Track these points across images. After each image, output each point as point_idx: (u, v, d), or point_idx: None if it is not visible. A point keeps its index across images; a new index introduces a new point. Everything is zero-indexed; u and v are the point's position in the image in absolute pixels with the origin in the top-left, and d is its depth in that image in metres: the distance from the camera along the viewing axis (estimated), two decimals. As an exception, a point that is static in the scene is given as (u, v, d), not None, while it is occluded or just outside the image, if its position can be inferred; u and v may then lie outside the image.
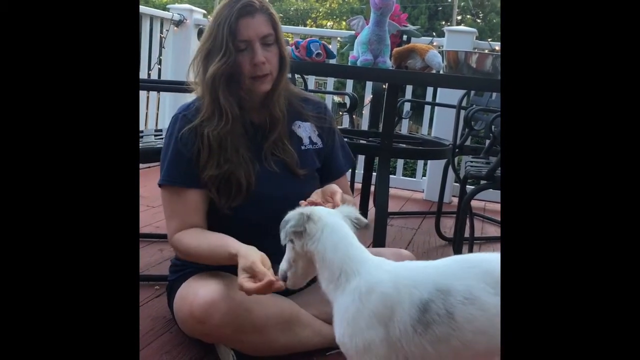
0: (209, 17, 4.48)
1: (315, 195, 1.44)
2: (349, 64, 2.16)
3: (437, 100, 3.79)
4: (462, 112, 2.85)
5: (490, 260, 1.06)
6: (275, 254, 1.58)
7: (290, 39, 2.87)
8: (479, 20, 21.36)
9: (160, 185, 1.52)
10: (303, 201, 1.39)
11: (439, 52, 2.15)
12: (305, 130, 1.63)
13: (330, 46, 2.26)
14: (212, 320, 1.37)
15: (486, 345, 1.03)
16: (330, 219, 1.13)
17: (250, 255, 1.32)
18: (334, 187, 1.47)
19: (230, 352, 1.45)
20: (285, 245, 1.17)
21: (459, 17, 20.86)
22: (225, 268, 1.47)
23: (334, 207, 1.30)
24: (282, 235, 1.14)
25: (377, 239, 2.12)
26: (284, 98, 1.57)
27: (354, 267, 1.07)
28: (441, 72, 2.12)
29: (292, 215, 1.14)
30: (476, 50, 3.52)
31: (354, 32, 2.31)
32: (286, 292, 1.54)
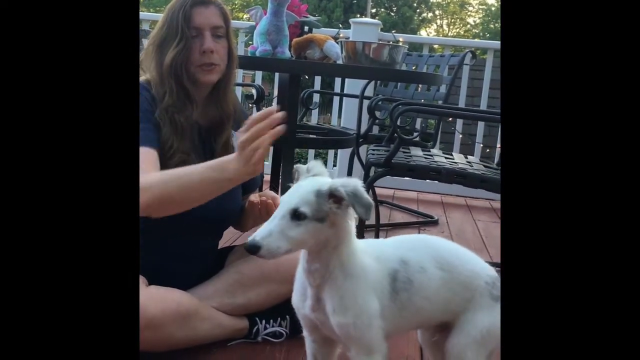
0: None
1: (259, 197, 1.51)
2: (249, 54, 2.15)
3: (345, 91, 3.85)
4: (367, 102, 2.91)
5: (432, 239, 1.18)
6: (195, 254, 1.60)
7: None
8: (392, 14, 21.88)
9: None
10: (254, 198, 1.51)
11: (338, 43, 2.18)
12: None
13: (237, 38, 2.24)
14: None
15: (429, 314, 1.13)
16: None
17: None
18: (272, 193, 1.57)
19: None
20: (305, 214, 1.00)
21: (374, 10, 21.27)
22: None
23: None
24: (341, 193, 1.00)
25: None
26: (232, 99, 1.58)
27: (353, 246, 1.08)
28: (340, 62, 2.15)
29: (351, 182, 1.01)
30: (380, 41, 3.60)
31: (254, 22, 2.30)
32: (185, 286, 1.52)
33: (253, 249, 0.99)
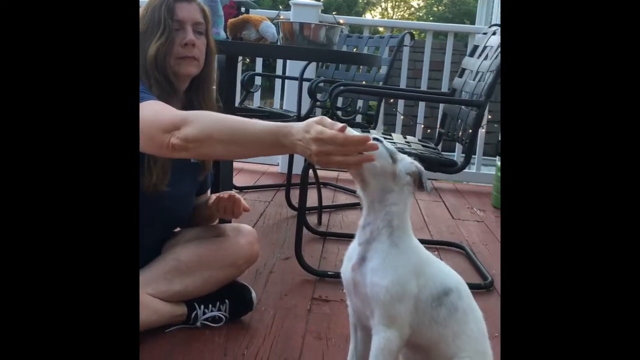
0: None
1: (226, 194, 1.62)
2: (183, 35, 2.10)
3: (287, 73, 3.82)
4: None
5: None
6: (145, 246, 1.54)
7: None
8: (338, -4, 21.81)
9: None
10: (221, 194, 1.61)
11: (274, 24, 2.15)
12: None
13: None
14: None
15: (444, 347, 1.14)
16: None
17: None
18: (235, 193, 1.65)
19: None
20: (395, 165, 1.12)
21: (320, -7, 21.15)
22: None
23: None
24: (408, 162, 1.13)
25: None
26: (211, 102, 1.60)
27: (408, 228, 1.15)
28: (277, 43, 2.13)
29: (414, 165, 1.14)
30: (321, 22, 3.58)
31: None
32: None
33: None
